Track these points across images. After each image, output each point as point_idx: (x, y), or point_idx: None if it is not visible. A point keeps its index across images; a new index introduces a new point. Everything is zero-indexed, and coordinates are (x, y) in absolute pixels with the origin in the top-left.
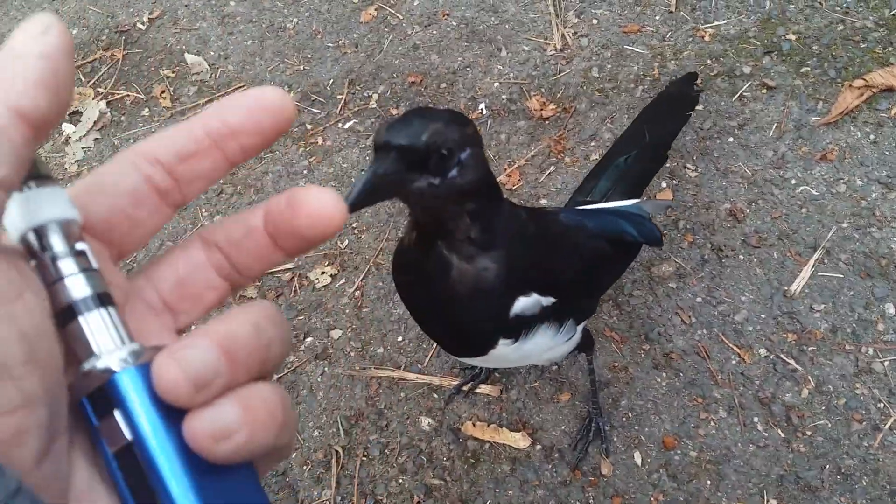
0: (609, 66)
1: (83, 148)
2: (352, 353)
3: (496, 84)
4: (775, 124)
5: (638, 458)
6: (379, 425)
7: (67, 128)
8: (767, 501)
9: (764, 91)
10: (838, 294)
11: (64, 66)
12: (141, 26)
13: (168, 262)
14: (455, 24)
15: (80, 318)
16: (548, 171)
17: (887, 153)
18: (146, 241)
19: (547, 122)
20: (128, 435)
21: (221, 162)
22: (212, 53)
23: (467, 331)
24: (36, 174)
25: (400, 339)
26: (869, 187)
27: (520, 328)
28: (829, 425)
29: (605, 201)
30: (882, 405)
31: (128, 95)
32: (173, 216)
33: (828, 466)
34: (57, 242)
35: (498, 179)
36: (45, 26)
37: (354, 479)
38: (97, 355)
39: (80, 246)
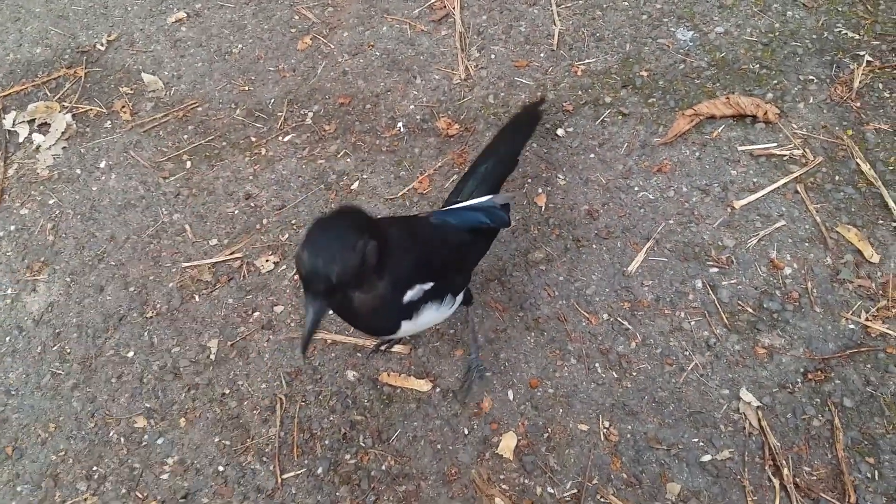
0: (502, 94)
1: (53, 155)
2: (292, 324)
3: (412, 106)
4: (626, 143)
5: (511, 395)
6: (314, 378)
7: (37, 138)
8: (602, 422)
9: (620, 117)
10: (663, 273)
11: None
12: (100, 47)
13: None
14: (378, 54)
15: None
16: (451, 178)
17: (707, 166)
18: None
19: (452, 138)
20: None
21: None
22: (166, 73)
23: (375, 328)
24: None
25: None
26: (691, 193)
27: (412, 310)
28: (649, 368)
29: (471, 199)
30: (687, 353)
31: (91, 109)
32: None
33: (646, 397)
34: None
35: (412, 186)
36: None
37: (295, 419)
38: None
39: None
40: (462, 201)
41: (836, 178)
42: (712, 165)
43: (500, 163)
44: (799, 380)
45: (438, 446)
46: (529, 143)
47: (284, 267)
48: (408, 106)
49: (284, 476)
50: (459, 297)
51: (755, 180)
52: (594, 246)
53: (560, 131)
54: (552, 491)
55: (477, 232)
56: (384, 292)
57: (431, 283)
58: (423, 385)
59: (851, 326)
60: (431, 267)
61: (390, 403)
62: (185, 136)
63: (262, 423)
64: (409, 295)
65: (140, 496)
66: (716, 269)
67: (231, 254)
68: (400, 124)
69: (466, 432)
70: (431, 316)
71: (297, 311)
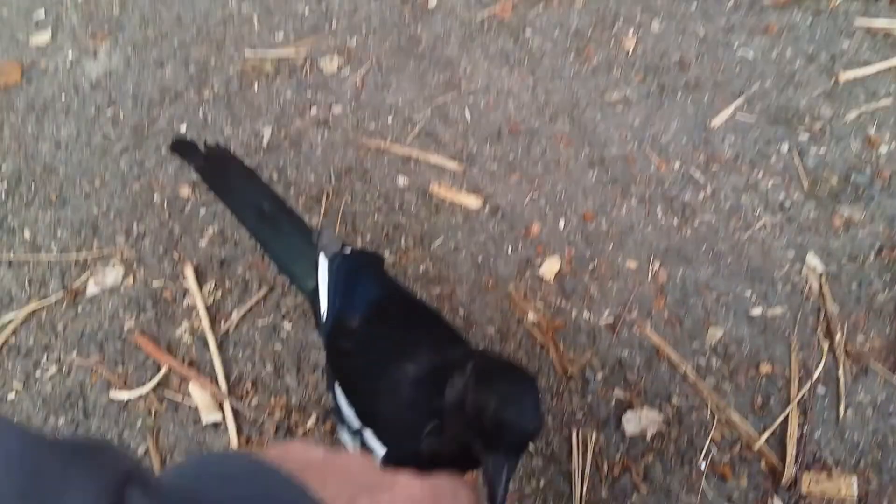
0: None
1: None
2: (348, 126)
3: None
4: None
5: (561, 224)
6: (363, 178)
7: None
8: (653, 263)
9: None
10: (748, 132)
11: None
12: None
13: None
14: None
15: None
16: (536, 7)
17: (818, 34)
18: None
19: None
20: None
21: None
22: None
23: None
24: None
25: (389, 119)
26: (796, 58)
27: None
28: (714, 220)
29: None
30: (758, 212)
31: None
32: None
33: (705, 246)
34: None
35: (493, 9)
36: None
37: (339, 212)
38: None
39: None
40: None
41: None
42: (824, 34)
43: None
44: (872, 254)
45: (479, 259)
46: None
47: (349, 71)
48: None
49: None
50: None
51: (867, 56)
52: (679, 96)
53: None
54: (588, 316)
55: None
56: None
57: None
58: (474, 201)
59: None
60: None
61: (437, 213)
62: None
63: (306, 212)
64: None
65: (176, 257)
66: (806, 136)
67: (296, 50)
68: None
69: (510, 250)
70: None
71: (355, 113)
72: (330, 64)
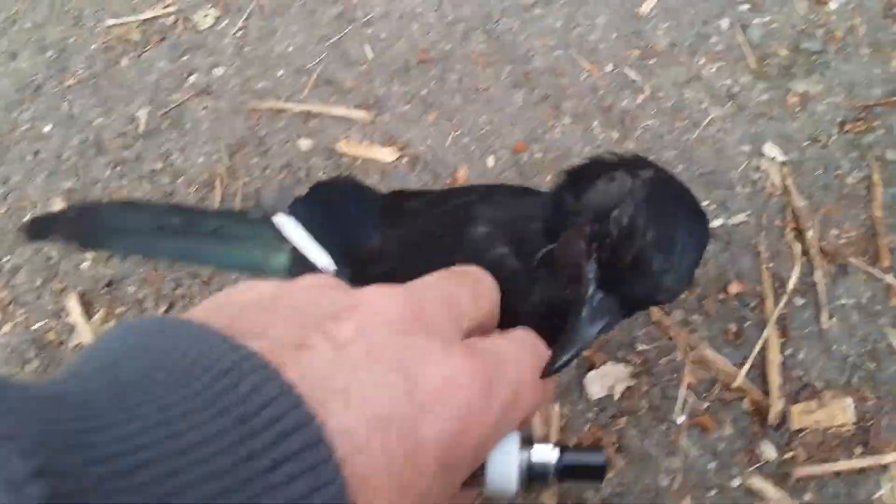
0: None
1: None
2: (234, 89)
3: None
4: None
5: (490, 162)
6: (260, 150)
7: None
8: None
9: None
10: (682, 13)
11: None
12: None
13: None
14: None
15: None
16: None
17: None
18: None
19: None
20: None
21: None
22: None
23: None
24: None
25: (280, 73)
26: None
27: None
28: (657, 125)
29: None
30: (704, 106)
31: None
32: None
33: (652, 157)
34: None
35: None
36: None
37: (237, 196)
38: None
39: None
40: None
41: None
42: None
43: None
44: (835, 131)
45: None
46: None
47: (227, 22)
48: None
49: None
50: None
51: None
52: None
53: None
54: None
55: None
56: None
57: None
58: (388, 154)
59: None
60: None
61: (350, 174)
62: None
63: (200, 202)
64: None
65: (57, 288)
66: (747, 6)
67: (165, 7)
68: None
69: None
70: None
71: (240, 72)
72: (204, 18)
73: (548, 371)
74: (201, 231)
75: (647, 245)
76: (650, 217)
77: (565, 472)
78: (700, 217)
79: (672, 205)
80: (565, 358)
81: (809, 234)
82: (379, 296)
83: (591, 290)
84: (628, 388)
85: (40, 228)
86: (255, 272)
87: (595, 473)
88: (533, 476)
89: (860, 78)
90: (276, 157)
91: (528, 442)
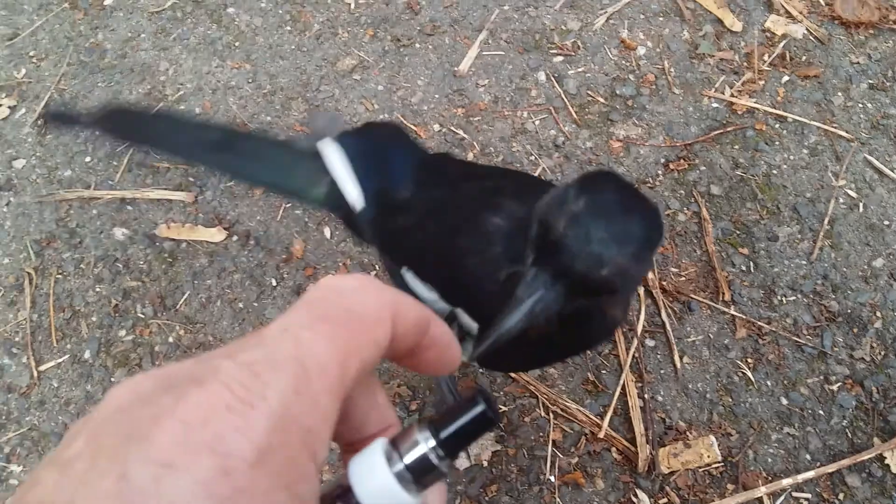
0: None
1: None
2: (38, 181)
3: None
4: None
5: (327, 233)
6: (71, 243)
7: None
8: None
9: None
10: (500, 69)
11: None
12: None
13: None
14: None
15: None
16: None
17: None
18: None
19: None
20: None
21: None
22: None
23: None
24: None
25: (88, 159)
26: None
27: None
28: None
29: None
30: (533, 157)
31: None
32: None
33: None
34: None
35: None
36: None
37: (50, 296)
38: None
39: None
40: None
41: None
42: None
43: None
44: (660, 171)
45: (240, 305)
46: None
47: (24, 111)
48: None
49: (42, 368)
50: None
51: None
52: (418, 45)
53: None
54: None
55: None
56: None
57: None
58: (216, 234)
59: (715, 105)
60: None
61: (174, 262)
62: None
63: (7, 307)
64: None
65: None
66: (560, 58)
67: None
68: None
69: (275, 283)
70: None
71: (42, 162)
72: None
73: (483, 347)
74: (243, 151)
75: (567, 225)
76: (579, 206)
77: (453, 445)
78: (634, 212)
79: (601, 185)
80: (507, 326)
81: (650, 274)
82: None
83: (527, 265)
84: (495, 453)
85: (64, 118)
86: (296, 198)
87: (484, 423)
88: (422, 474)
89: (676, 118)
90: (90, 250)
91: (394, 444)
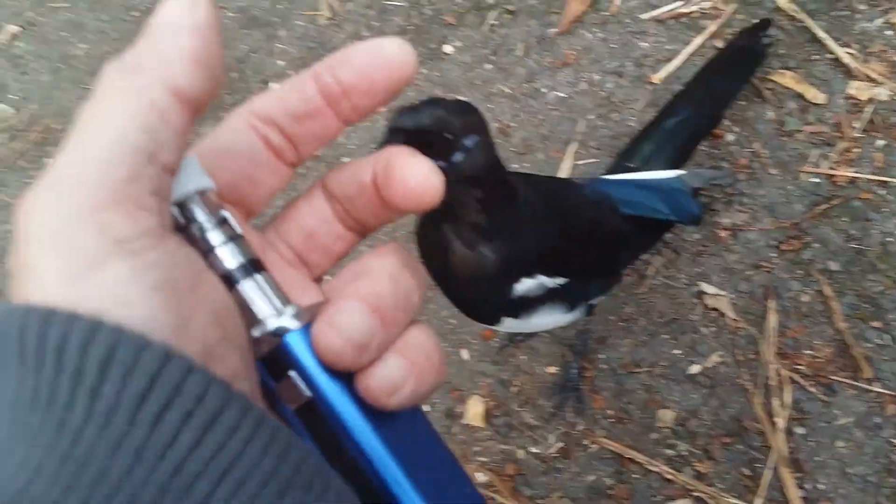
0: (376, 24)
1: None
2: None
3: (280, 62)
4: (521, 43)
5: (465, 354)
6: None
7: None
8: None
9: (507, 16)
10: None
11: (216, 40)
12: None
13: (295, 216)
14: (232, 15)
15: (240, 287)
16: None
17: (615, 46)
18: (268, 202)
19: None
20: (306, 392)
21: (333, 122)
22: (11, 97)
23: (470, 307)
24: None
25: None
26: (605, 80)
27: (522, 307)
28: None
29: (646, 169)
30: (645, 256)
31: None
32: (292, 175)
33: (612, 318)
34: (201, 214)
35: None
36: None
37: None
38: (263, 321)
39: (222, 214)
40: (635, 169)
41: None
42: (619, 43)
43: (698, 115)
44: (773, 254)
45: None
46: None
47: None
48: (276, 63)
49: None
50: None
51: (669, 48)
52: (515, 166)
53: (447, 48)
54: (536, 450)
55: (643, 224)
56: (487, 262)
57: (563, 280)
58: None
59: (814, 180)
60: (569, 256)
61: None
62: (49, 161)
63: None
64: (524, 286)
65: None
66: None
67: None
68: (272, 85)
69: (428, 409)
70: (548, 320)
71: None
72: None
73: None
74: None
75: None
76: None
77: None
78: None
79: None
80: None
81: (787, 361)
82: None
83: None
84: None
85: None
86: None
87: None
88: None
89: (778, 198)
90: None
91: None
